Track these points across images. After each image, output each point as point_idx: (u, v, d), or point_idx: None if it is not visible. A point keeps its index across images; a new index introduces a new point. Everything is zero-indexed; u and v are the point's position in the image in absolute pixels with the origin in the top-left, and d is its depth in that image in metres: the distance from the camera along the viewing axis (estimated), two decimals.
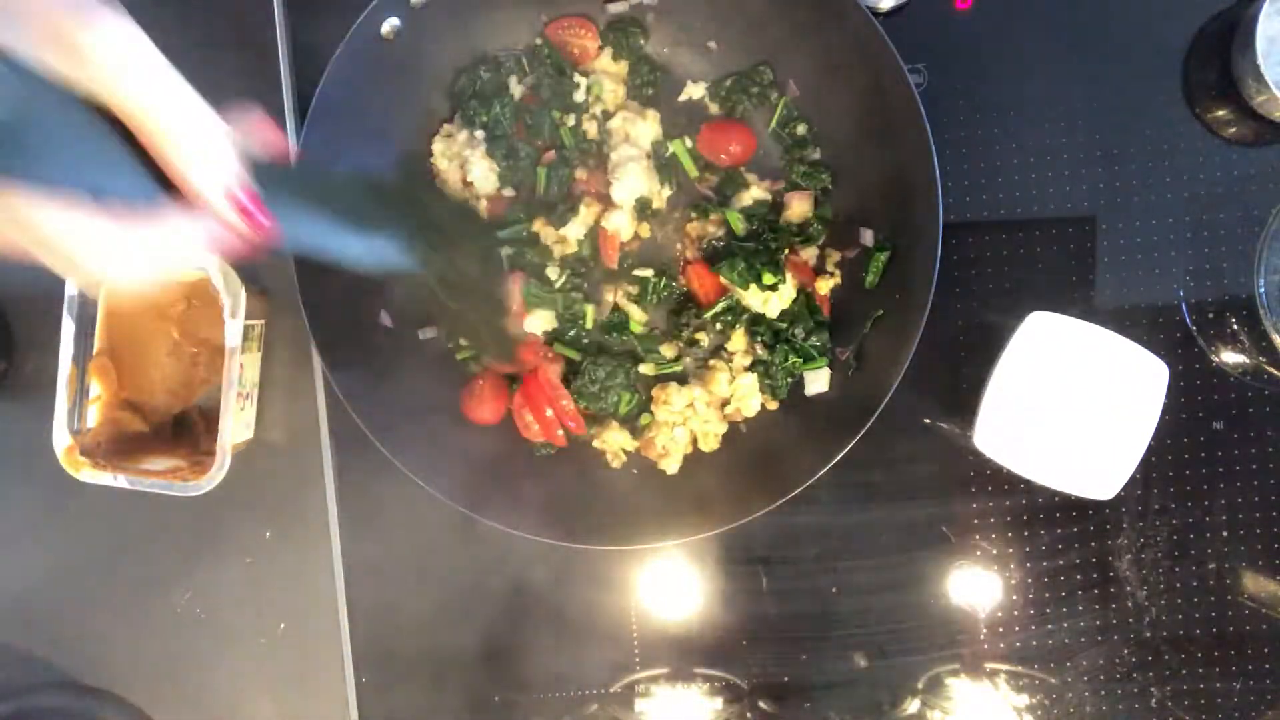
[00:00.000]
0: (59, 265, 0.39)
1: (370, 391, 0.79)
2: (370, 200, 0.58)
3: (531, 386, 0.85)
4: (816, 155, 0.86)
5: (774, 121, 0.86)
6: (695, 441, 0.86)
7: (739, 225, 0.84)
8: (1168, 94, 0.88)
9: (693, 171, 0.86)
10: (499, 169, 0.85)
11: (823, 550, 0.89)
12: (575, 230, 0.84)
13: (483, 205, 0.86)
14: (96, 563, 0.90)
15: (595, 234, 0.85)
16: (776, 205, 0.86)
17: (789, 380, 0.85)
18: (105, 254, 0.38)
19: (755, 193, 0.85)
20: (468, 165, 0.84)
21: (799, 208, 0.85)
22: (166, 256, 0.40)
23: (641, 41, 0.87)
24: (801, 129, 0.86)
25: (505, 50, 0.87)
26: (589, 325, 0.86)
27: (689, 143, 0.86)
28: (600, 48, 0.87)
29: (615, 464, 0.87)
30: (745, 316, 0.85)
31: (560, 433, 0.85)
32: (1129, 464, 0.75)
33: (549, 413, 0.85)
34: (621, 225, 0.84)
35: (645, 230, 0.87)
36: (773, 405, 0.86)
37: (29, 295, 0.89)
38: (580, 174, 0.86)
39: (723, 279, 0.84)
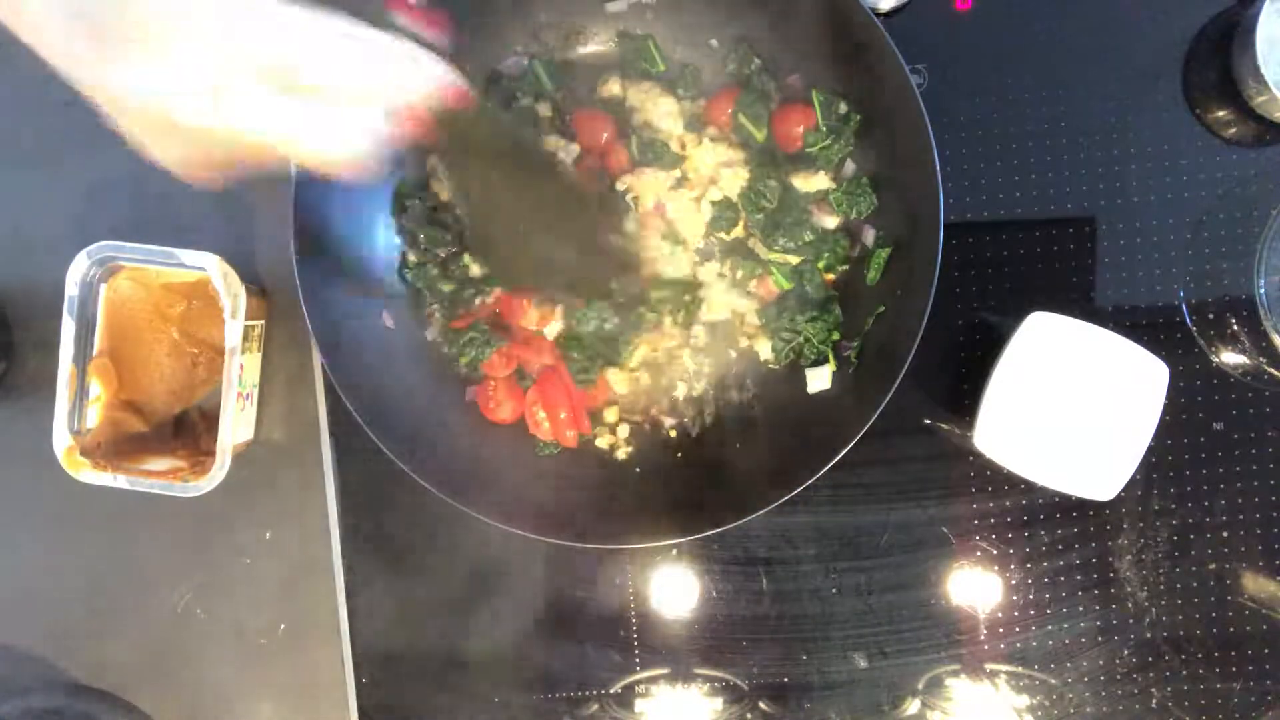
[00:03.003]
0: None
1: (370, 392, 0.79)
2: None
3: (546, 385, 0.85)
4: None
5: (819, 119, 0.84)
6: (696, 420, 0.87)
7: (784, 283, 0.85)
8: (1168, 94, 0.88)
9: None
10: None
11: (823, 550, 0.89)
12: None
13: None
14: (96, 563, 0.90)
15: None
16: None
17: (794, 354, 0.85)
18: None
19: (822, 180, 0.84)
20: None
21: (820, 179, 0.84)
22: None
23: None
24: (844, 106, 0.83)
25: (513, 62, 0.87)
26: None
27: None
28: None
29: (620, 455, 0.87)
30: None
31: (570, 434, 0.86)
32: (1129, 464, 0.75)
33: (562, 414, 0.85)
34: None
35: None
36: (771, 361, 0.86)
37: (29, 295, 0.89)
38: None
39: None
